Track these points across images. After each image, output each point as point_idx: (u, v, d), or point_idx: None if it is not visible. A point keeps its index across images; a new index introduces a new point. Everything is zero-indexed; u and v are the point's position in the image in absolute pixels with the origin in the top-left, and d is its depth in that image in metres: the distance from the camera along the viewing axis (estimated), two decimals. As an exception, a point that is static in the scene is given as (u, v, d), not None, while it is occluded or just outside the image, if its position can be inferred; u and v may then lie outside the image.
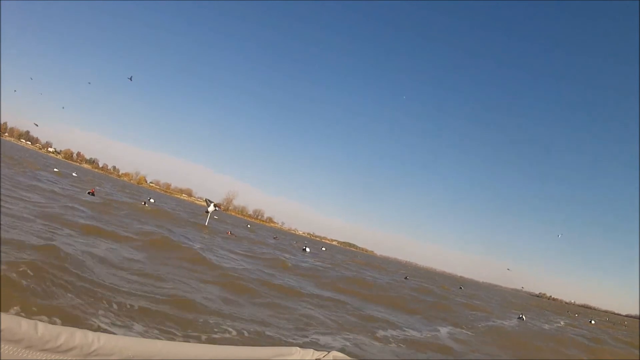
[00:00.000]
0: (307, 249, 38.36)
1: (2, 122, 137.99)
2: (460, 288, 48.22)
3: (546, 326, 24.02)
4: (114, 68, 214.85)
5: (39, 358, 1.16)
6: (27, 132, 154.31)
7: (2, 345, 1.10)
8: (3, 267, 5.96)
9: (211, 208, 30.10)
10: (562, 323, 30.72)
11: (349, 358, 1.90)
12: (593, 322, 39.68)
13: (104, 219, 16.15)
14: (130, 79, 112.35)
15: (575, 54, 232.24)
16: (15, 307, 5.11)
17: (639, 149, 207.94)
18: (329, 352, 1.90)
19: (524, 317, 25.24)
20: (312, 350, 1.88)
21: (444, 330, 12.60)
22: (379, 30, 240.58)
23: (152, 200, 38.55)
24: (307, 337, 7.67)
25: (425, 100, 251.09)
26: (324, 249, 65.44)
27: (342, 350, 6.63)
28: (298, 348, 1.84)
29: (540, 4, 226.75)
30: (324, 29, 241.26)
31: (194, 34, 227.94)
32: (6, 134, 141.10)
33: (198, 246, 15.83)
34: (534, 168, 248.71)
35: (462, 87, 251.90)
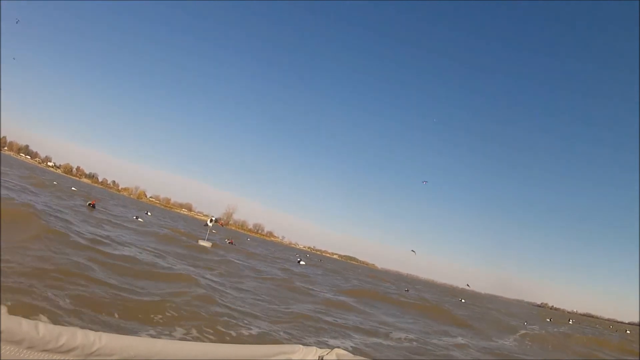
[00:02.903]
0: (302, 262, 39.04)
1: (1, 136, 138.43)
2: (461, 300, 47.68)
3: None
4: (110, 81, 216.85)
5: (40, 358, 1.16)
6: (27, 146, 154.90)
7: (3, 346, 1.09)
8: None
9: (210, 223, 31.62)
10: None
11: (352, 355, 1.90)
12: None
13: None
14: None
15: (573, 59, 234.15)
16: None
17: (639, 155, 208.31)
18: (332, 349, 1.89)
19: (526, 324, 26.97)
20: (315, 347, 1.88)
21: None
22: (379, 38, 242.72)
23: (148, 214, 38.72)
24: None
25: (425, 111, 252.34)
26: (320, 260, 69.88)
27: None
28: (301, 346, 1.84)
29: (539, 6, 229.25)
30: (321, 37, 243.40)
31: (189, 46, 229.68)
32: (5, 148, 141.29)
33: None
34: (535, 176, 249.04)
35: (465, 97, 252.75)
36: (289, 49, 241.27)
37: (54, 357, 1.18)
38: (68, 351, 1.20)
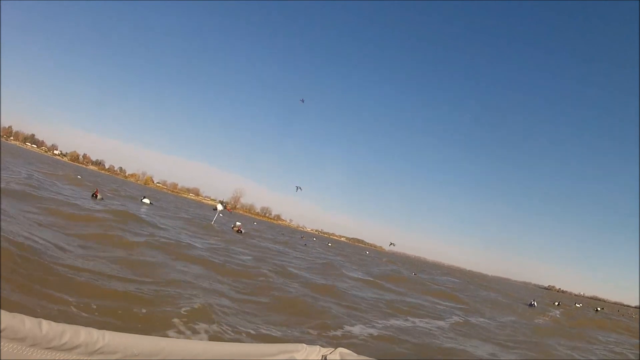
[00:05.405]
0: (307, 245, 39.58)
1: (6, 126, 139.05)
2: (468, 283, 47.84)
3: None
4: (116, 69, 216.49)
5: (43, 356, 1.15)
6: (32, 135, 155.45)
7: (6, 344, 1.08)
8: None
9: (219, 207, 31.98)
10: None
11: (355, 354, 1.88)
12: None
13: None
14: None
15: (576, 54, 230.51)
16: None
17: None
18: (335, 348, 1.88)
19: (535, 303, 27.93)
20: (318, 346, 1.86)
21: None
22: (383, 31, 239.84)
23: (145, 201, 36.62)
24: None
25: (429, 99, 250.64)
26: (330, 244, 69.85)
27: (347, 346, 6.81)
28: (304, 345, 1.82)
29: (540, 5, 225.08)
30: (328, 28, 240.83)
31: (196, 33, 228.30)
32: (11, 138, 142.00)
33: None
34: (541, 162, 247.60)
35: (467, 87, 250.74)
36: (297, 39, 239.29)
37: (57, 355, 1.17)
38: (71, 349, 1.19)
